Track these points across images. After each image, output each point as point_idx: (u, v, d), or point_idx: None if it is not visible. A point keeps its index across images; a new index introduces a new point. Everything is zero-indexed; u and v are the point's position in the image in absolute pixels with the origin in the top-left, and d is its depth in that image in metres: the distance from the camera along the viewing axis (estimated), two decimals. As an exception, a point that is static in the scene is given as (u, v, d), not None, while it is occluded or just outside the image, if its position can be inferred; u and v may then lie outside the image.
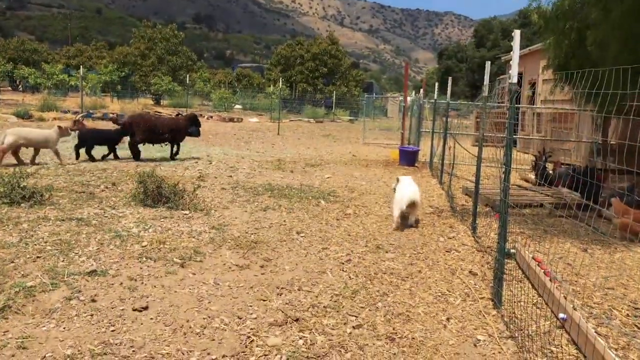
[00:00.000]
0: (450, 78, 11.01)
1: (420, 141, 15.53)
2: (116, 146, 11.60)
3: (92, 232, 5.68)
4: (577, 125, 15.13)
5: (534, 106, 18.46)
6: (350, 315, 4.05)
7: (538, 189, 10.06)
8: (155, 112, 24.78)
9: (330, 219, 7.04)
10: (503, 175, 4.29)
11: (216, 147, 15.41)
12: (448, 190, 9.32)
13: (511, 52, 4.19)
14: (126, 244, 5.38)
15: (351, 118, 37.95)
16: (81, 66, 24.23)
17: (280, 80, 28.12)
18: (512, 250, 5.80)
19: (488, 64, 6.78)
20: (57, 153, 10.23)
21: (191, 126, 12.32)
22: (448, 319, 4.12)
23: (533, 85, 20.82)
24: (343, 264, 5.29)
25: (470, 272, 5.29)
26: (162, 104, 35.91)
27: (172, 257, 5.09)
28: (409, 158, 13.62)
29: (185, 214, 6.81)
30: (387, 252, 5.77)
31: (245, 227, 6.39)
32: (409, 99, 19.63)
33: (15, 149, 9.69)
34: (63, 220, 6.09)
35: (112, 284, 4.34)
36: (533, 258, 5.51)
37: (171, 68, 38.41)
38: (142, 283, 4.41)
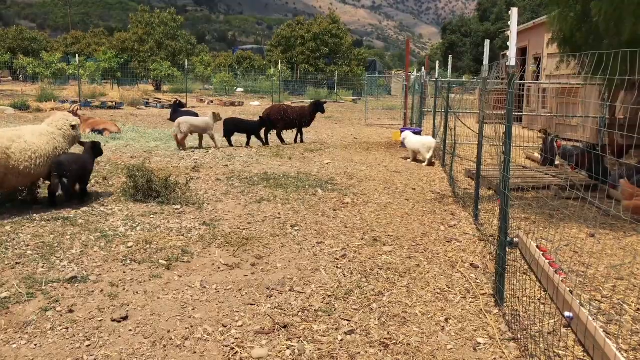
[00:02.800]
0: (450, 56, 10.63)
1: (423, 120, 15.18)
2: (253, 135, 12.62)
3: (77, 233, 5.47)
4: (583, 101, 14.72)
5: (539, 82, 17.99)
6: (342, 319, 3.82)
7: (543, 169, 9.74)
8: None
9: (326, 210, 6.79)
10: (503, 165, 4.01)
11: (215, 134, 15.09)
12: (450, 173, 9.03)
13: (519, 27, 3.87)
14: (111, 245, 5.16)
15: (354, 98, 37.43)
16: (77, 55, 23.88)
17: (280, 63, 27.66)
18: (515, 240, 5.53)
19: (487, 43, 6.44)
20: (213, 137, 11.73)
21: (316, 112, 13.53)
22: (447, 320, 3.88)
23: (537, 59, 20.30)
24: (338, 259, 5.05)
25: (471, 264, 5.04)
26: (162, 89, 35.57)
27: (158, 258, 4.87)
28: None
29: (177, 209, 6.58)
30: (384, 244, 5.52)
31: (237, 221, 6.15)
32: (412, 76, 19.24)
33: (184, 137, 11.35)
34: (48, 220, 5.87)
35: (92, 292, 4.13)
36: (537, 247, 5.24)
37: (170, 53, 37.93)
38: (124, 289, 4.20)
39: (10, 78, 45.92)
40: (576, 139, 13.88)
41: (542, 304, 4.18)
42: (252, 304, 4.04)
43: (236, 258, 5.02)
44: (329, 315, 3.87)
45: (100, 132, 12.84)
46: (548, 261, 4.85)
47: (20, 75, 42.52)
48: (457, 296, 4.31)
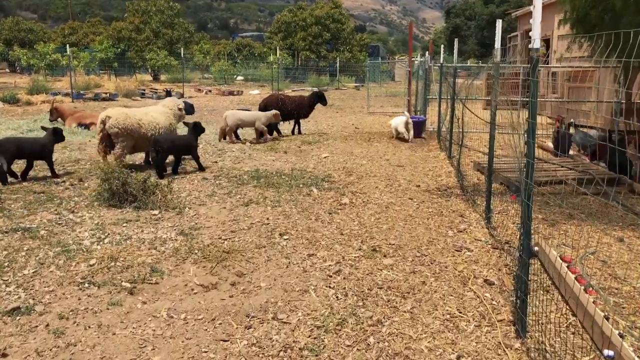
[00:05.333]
0: (456, 39, 9.86)
1: (427, 107, 14.40)
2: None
3: (35, 248, 4.81)
4: (597, 84, 13.89)
5: (551, 65, 17.12)
6: (332, 360, 3.16)
7: (558, 160, 9.00)
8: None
9: (321, 213, 6.11)
10: (525, 170, 3.31)
11: (209, 125, 14.35)
12: (458, 166, 8.32)
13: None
14: (71, 263, 4.49)
15: (357, 85, 36.57)
16: (69, 45, 23.15)
17: (278, 49, 26.83)
18: (535, 248, 4.84)
19: (499, 23, 5.70)
20: (262, 132, 11.35)
21: (317, 103, 12.77)
22: (459, 358, 3.21)
23: (546, 42, 19.42)
24: (331, 276, 4.38)
25: (485, 280, 4.36)
26: (160, 79, 34.81)
27: (121, 279, 4.20)
28: (414, 129, 12.55)
29: (154, 215, 5.91)
30: (385, 256, 4.84)
31: (220, 229, 5.48)
32: (415, 61, 18.45)
33: (234, 129, 11.21)
34: (6, 232, 5.21)
35: (36, 327, 3.47)
36: (560, 258, 4.55)
37: (167, 41, 37.07)
38: (75, 323, 3.54)
39: (7, 70, 45.23)
40: (590, 126, 13.12)
41: (573, 333, 3.50)
42: (225, 340, 3.38)
43: (214, 276, 4.36)
44: (316, 356, 3.20)
45: (87, 126, 12.18)
46: (574, 275, 4.17)
47: (17, 67, 41.81)
48: (471, 324, 3.63)
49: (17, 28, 46.84)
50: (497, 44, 5.60)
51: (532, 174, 3.26)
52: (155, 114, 8.34)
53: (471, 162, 9.24)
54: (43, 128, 7.94)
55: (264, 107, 12.21)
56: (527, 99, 3.43)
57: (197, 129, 8.27)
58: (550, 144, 10.90)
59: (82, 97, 20.66)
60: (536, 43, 3.16)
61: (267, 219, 5.85)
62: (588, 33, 10.11)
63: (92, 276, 4.25)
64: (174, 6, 38.58)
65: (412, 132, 11.88)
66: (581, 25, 10.03)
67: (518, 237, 5.40)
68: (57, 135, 7.65)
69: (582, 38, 10.68)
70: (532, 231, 3.36)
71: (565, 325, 3.61)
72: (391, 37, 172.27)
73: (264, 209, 6.24)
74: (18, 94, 19.34)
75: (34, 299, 3.85)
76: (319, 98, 12.76)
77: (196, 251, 4.83)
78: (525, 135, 3.31)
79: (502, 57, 5.78)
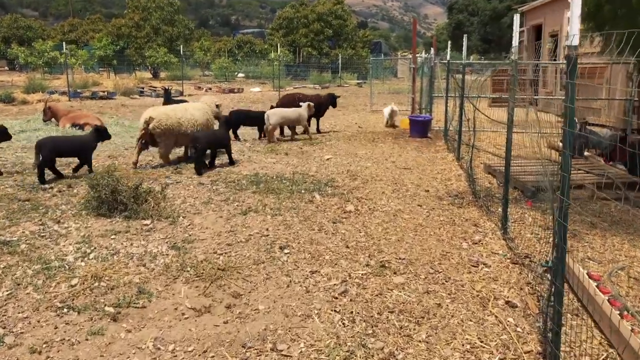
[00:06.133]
0: (465, 35, 9.44)
1: (433, 106, 13.94)
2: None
3: (13, 265, 4.41)
4: (608, 81, 13.43)
5: (559, 62, 16.60)
6: (339, 405, 2.75)
7: (572, 162, 8.55)
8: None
9: (325, 223, 5.69)
10: (560, 186, 2.88)
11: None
12: (468, 169, 7.90)
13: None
14: (51, 284, 4.09)
15: (359, 82, 36.09)
16: (64, 43, 22.71)
17: (279, 46, 26.37)
18: (560, 264, 4.43)
19: (516, 18, 5.26)
20: (306, 129, 11.59)
21: (333, 102, 12.86)
22: (484, 401, 2.80)
23: (554, 37, 18.94)
24: (336, 297, 3.97)
25: (507, 302, 3.94)
26: (160, 77, 34.38)
27: (105, 303, 3.80)
28: (419, 129, 12.14)
29: (145, 225, 5.50)
30: (395, 273, 4.43)
31: (215, 242, 5.07)
32: (419, 58, 17.99)
33: (278, 128, 11.37)
34: (-16, 246, 4.81)
35: (3, 364, 3.07)
36: (588, 275, 4.14)
37: (167, 39, 36.58)
38: (48, 357, 3.14)
39: (6, 68, 44.84)
40: (601, 124, 12.68)
41: (612, 369, 3.09)
42: (217, 378, 2.97)
43: (207, 298, 3.95)
44: (321, 400, 2.80)
45: (81, 127, 11.74)
46: (606, 297, 3.76)
47: (17, 66, 41.40)
48: (494, 356, 3.22)
49: (15, 25, 46.36)
50: (515, 41, 5.18)
51: (568, 190, 2.84)
52: (193, 111, 8.76)
53: (481, 163, 8.81)
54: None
55: (280, 106, 11.97)
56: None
57: (228, 124, 8.93)
58: (559, 143, 10.44)
59: (79, 95, 20.24)
60: (574, 40, 2.73)
61: (267, 229, 5.44)
62: (600, 28, 9.70)
63: (73, 299, 3.85)
64: (174, 2, 38.07)
65: (396, 118, 13.88)
66: (593, 20, 9.64)
67: (538, 250, 5.02)
68: (99, 134, 7.88)
69: (593, 33, 10.28)
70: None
71: (603, 359, 3.19)
72: (393, 33, 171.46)
73: (264, 218, 5.82)
74: (14, 93, 18.93)
75: (4, 328, 3.44)
76: (333, 99, 12.83)
77: (189, 268, 4.42)
78: (560, 141, 2.89)
79: (520, 55, 5.35)
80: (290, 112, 11.09)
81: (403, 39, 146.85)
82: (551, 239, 5.29)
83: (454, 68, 11.28)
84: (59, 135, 10.04)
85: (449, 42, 12.38)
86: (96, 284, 4.09)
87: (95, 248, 4.84)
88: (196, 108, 8.90)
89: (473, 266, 4.61)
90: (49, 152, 7.24)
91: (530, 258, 4.74)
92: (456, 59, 16.96)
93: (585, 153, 9.28)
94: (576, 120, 9.76)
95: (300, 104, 11.29)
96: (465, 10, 70.32)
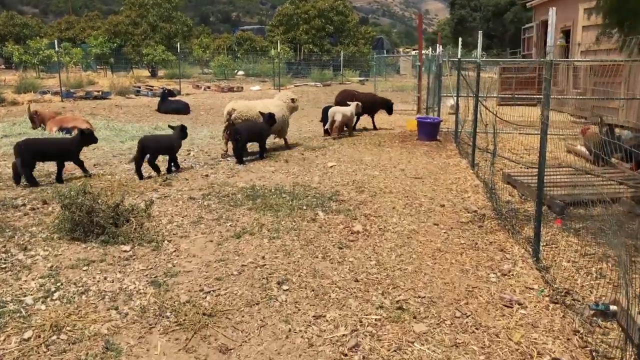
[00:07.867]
0: (480, 32, 8.70)
1: (441, 105, 13.17)
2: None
3: (-41, 310, 3.70)
4: (627, 80, 12.65)
5: (576, 59, 15.78)
6: None
7: (600, 171, 7.82)
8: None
9: (329, 248, 4.98)
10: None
11: (204, 128, 13.24)
12: (487, 180, 7.17)
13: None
14: (-1, 337, 3.38)
15: (361, 79, 35.31)
16: (56, 41, 21.96)
17: (279, 43, 25.59)
18: (612, 307, 3.71)
19: (552, 12, 4.55)
20: (350, 128, 11.96)
21: (384, 105, 13.28)
22: None
23: (566, 33, 18.15)
24: (346, 355, 3.26)
25: (553, 359, 3.23)
26: (158, 75, 33.60)
27: (61, 366, 3.09)
28: (428, 131, 11.40)
29: (124, 252, 4.80)
30: (415, 317, 3.71)
31: (202, 276, 4.35)
32: (425, 55, 17.26)
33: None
34: None
35: None
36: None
37: (165, 36, 35.74)
38: None
39: (3, 66, 44.04)
40: (620, 124, 11.91)
41: None
42: None
43: (189, 354, 3.24)
44: None
45: (69, 130, 11.04)
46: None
47: (13, 64, 40.61)
48: None
49: (11, 23, 45.48)
50: (550, 40, 4.47)
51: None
52: (271, 106, 9.43)
53: (497, 171, 8.06)
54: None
55: (339, 102, 12.33)
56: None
57: (271, 120, 9.04)
58: (580, 147, 9.66)
59: (72, 95, 19.47)
60: None
61: (263, 257, 4.72)
62: (622, 23, 9.04)
63: (22, 360, 3.14)
64: (171, -1, 37.19)
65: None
66: (615, 15, 8.98)
67: (579, 283, 4.31)
68: (84, 138, 7.74)
69: (612, 29, 9.61)
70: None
71: None
72: (394, 29, 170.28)
73: (260, 242, 5.11)
74: (4, 93, 18.19)
75: None
76: (389, 106, 13.32)
77: (168, 313, 3.71)
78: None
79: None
80: (348, 110, 11.53)
81: (404, 34, 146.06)
82: (593, 268, 4.58)
83: (467, 66, 10.54)
84: (39, 137, 9.81)
85: (460, 39, 11.59)
86: (54, 337, 3.38)
87: (61, 284, 4.13)
88: (274, 104, 9.67)
89: (506, 306, 3.90)
90: (29, 155, 7.06)
91: (573, 296, 4.02)
92: (460, 56, 16.20)
93: (613, 160, 8.52)
94: (604, 123, 8.98)
95: (349, 102, 11.78)
96: (467, 5, 69.44)
